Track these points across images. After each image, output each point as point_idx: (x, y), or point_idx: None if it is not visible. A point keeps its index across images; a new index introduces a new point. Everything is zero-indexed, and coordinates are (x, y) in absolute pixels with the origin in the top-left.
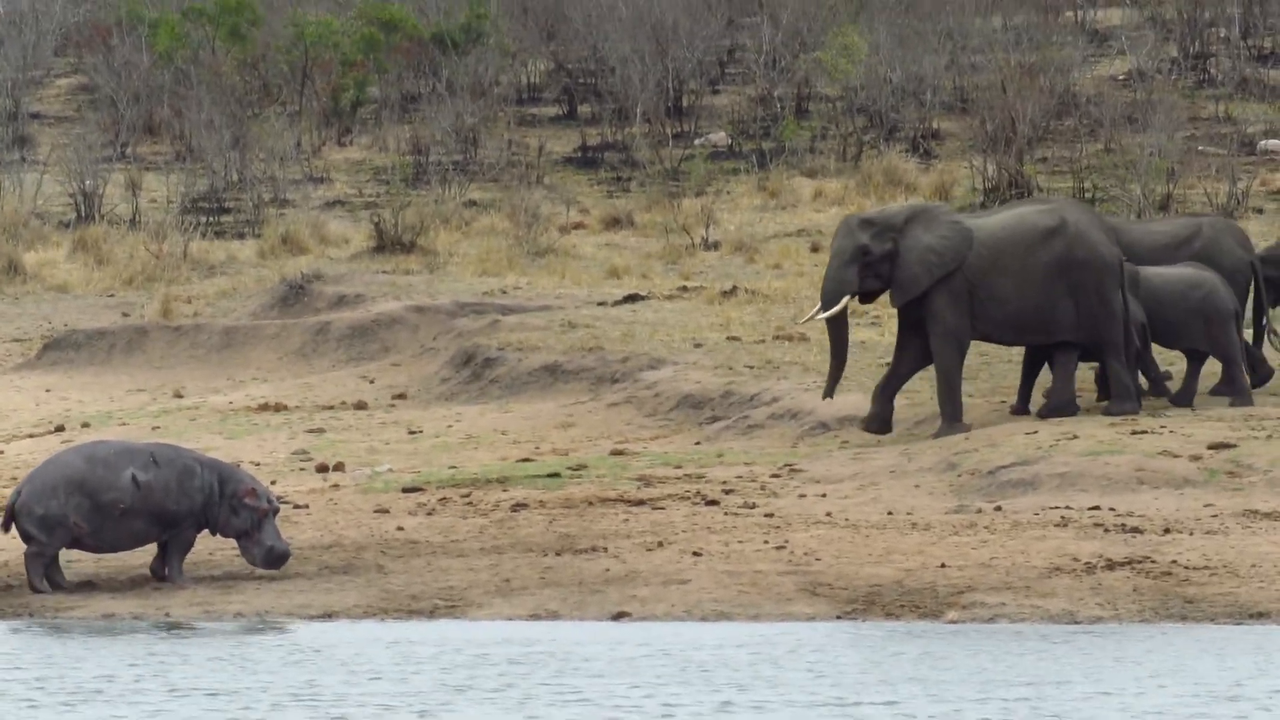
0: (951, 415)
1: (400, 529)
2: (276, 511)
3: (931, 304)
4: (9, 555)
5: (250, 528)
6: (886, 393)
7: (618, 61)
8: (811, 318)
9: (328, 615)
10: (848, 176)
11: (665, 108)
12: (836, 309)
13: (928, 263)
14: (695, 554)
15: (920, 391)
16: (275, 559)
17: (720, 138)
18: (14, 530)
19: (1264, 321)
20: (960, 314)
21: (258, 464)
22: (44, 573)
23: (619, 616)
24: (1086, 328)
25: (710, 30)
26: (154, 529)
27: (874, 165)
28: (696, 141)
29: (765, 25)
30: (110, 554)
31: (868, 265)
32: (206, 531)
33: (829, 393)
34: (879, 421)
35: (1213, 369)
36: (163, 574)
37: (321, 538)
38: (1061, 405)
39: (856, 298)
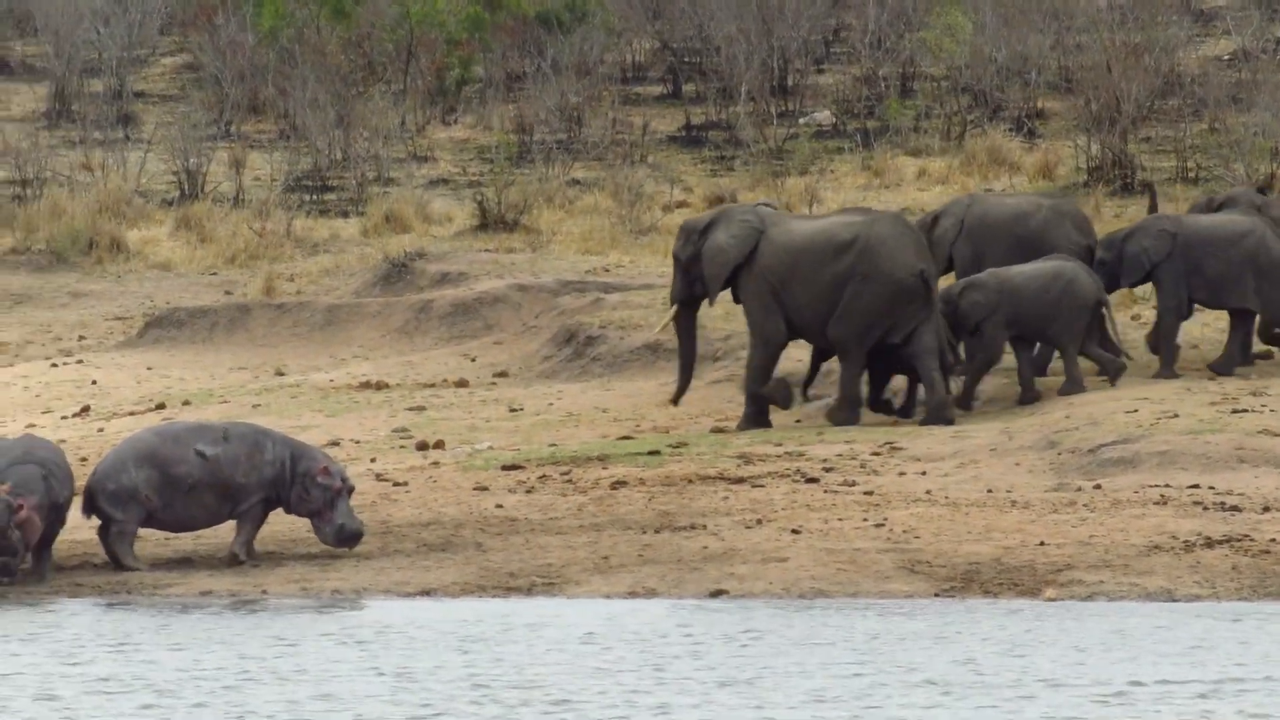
0: (753, 415)
1: (499, 506)
2: (351, 490)
3: (744, 304)
4: (90, 533)
5: (323, 506)
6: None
7: (723, 40)
8: (663, 325)
9: (425, 592)
10: (952, 156)
11: (770, 86)
12: (668, 317)
13: (716, 261)
14: (794, 531)
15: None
16: (347, 537)
17: (825, 117)
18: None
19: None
20: (771, 314)
21: (358, 441)
22: (131, 550)
23: (717, 594)
24: (843, 335)
25: (815, 9)
26: (224, 504)
27: (978, 145)
28: (801, 120)
29: (870, 4)
30: (190, 531)
31: (686, 271)
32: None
33: (676, 398)
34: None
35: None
36: (239, 551)
37: (420, 515)
38: (852, 406)
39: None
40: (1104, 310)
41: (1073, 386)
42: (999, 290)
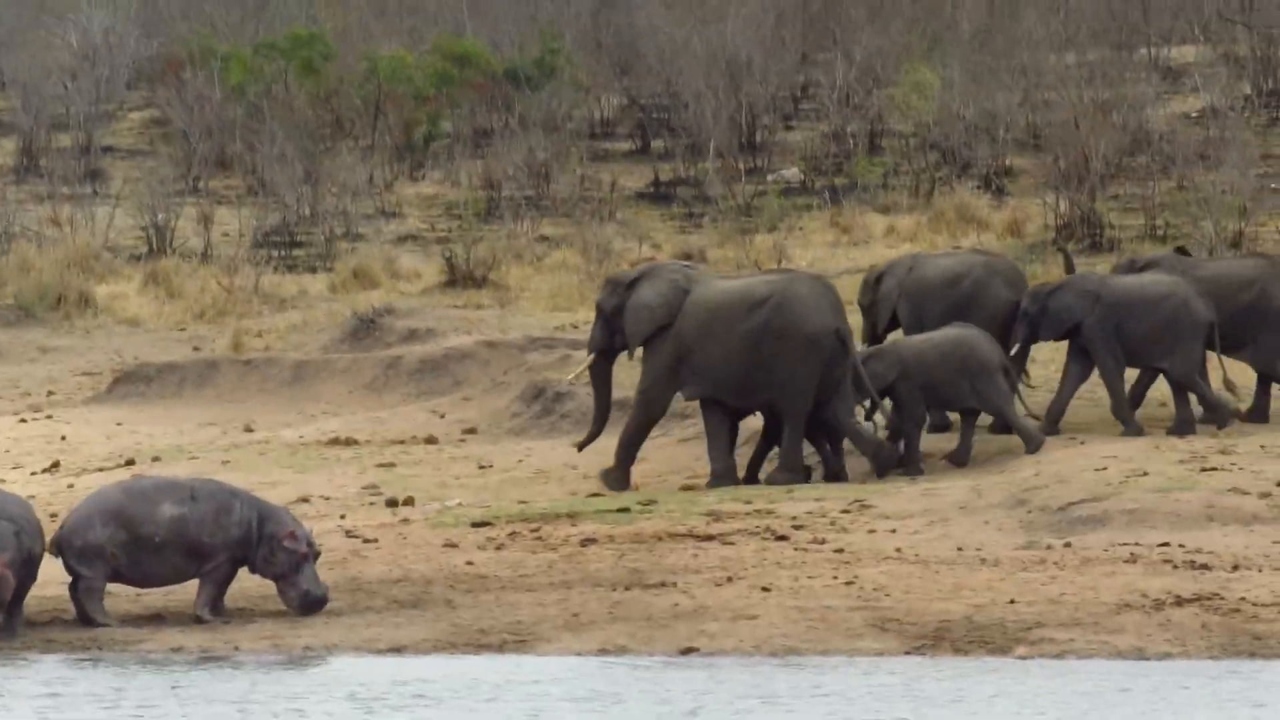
0: (618, 479)
1: (469, 563)
2: (317, 555)
3: (646, 363)
4: (62, 588)
5: (289, 570)
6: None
7: (691, 97)
8: (577, 374)
9: (396, 649)
10: (920, 213)
11: (738, 143)
12: (583, 365)
13: (641, 317)
14: (764, 589)
15: (989, 427)
16: (311, 604)
17: (793, 174)
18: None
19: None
20: (667, 381)
21: (328, 498)
22: (100, 605)
23: (687, 651)
24: (778, 398)
25: (784, 66)
26: (191, 563)
27: (946, 202)
28: (769, 177)
29: (839, 61)
30: (157, 588)
31: (608, 322)
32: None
33: (583, 445)
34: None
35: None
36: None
37: (390, 572)
38: (793, 469)
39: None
40: (1007, 375)
41: (963, 455)
42: (899, 360)
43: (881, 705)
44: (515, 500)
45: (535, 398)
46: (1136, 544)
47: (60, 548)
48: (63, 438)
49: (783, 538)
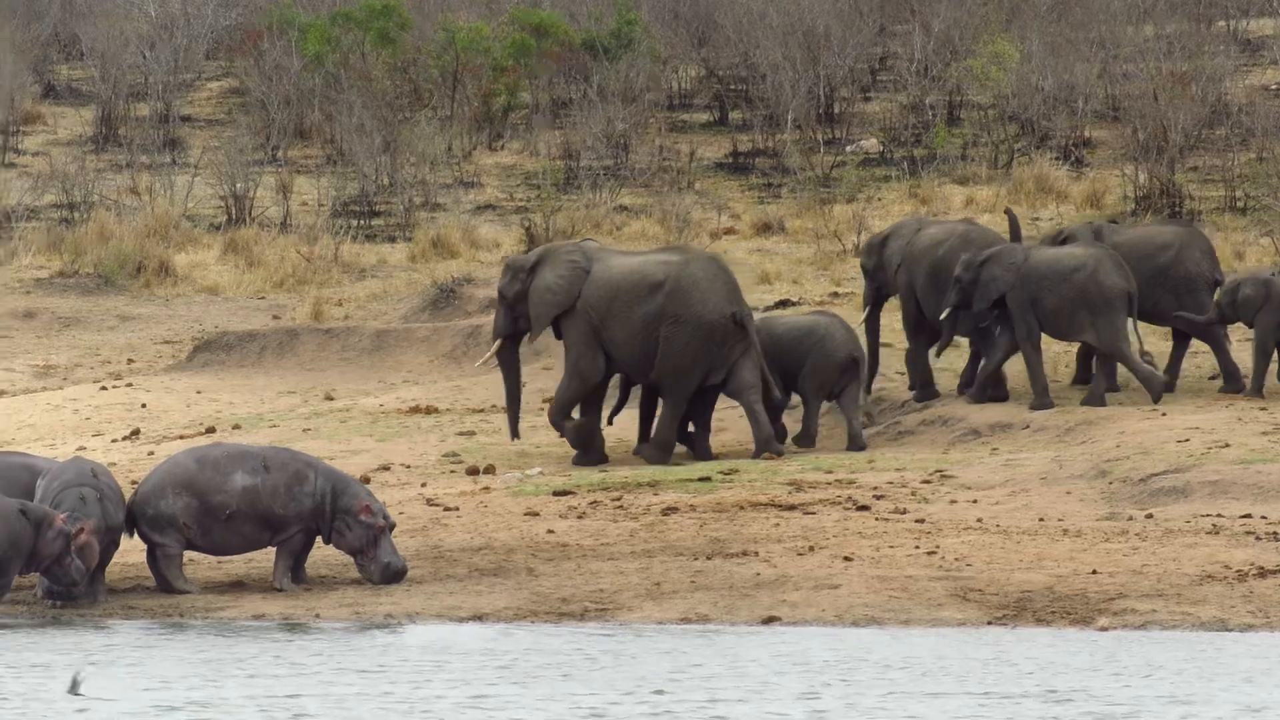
0: (581, 450)
1: (551, 532)
2: (393, 527)
3: (565, 339)
4: (139, 556)
5: (366, 544)
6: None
7: (769, 68)
8: (486, 359)
9: (477, 617)
10: (999, 184)
11: (816, 114)
12: (492, 351)
13: (544, 301)
14: (846, 559)
15: (1071, 399)
16: (392, 575)
17: (871, 144)
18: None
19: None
20: (591, 351)
21: (409, 466)
22: (179, 573)
23: (769, 620)
24: (663, 376)
25: (862, 37)
26: (263, 533)
27: (1025, 173)
28: (848, 148)
29: (917, 33)
30: (231, 556)
31: (511, 307)
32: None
33: (514, 433)
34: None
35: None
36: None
37: (471, 540)
38: (664, 448)
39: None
40: (857, 366)
41: (807, 440)
42: (767, 339)
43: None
44: (597, 469)
45: None
46: (1219, 515)
47: (133, 517)
48: (143, 405)
49: (864, 508)
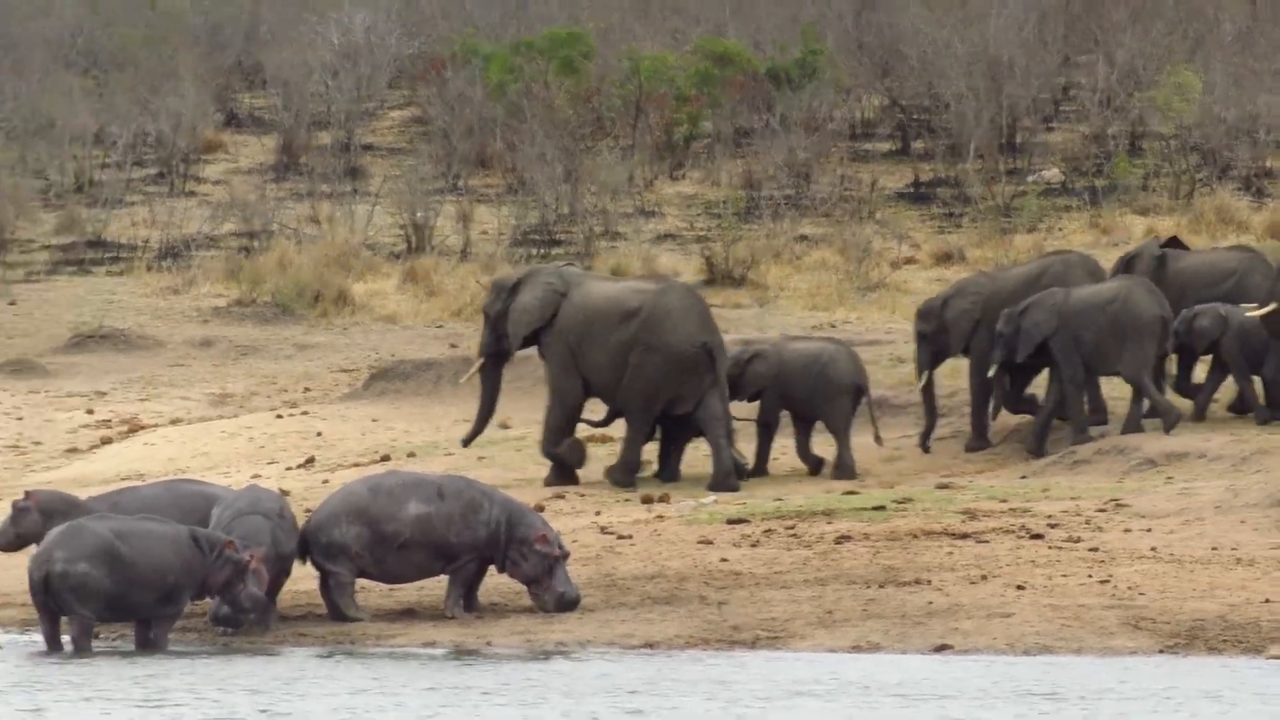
0: (557, 473)
1: (724, 560)
2: (567, 556)
3: (546, 364)
4: (311, 584)
5: (541, 573)
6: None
7: (952, 98)
8: (469, 376)
9: (649, 645)
10: (1180, 214)
11: (999, 144)
12: (474, 368)
13: (519, 321)
14: (1019, 587)
15: (1248, 426)
16: (567, 604)
17: (1053, 174)
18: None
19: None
20: (569, 375)
21: (583, 494)
22: (351, 600)
23: (941, 649)
24: (628, 401)
25: (1045, 67)
26: (437, 562)
27: (1206, 204)
28: (1029, 178)
29: (1100, 63)
30: (404, 584)
31: (494, 326)
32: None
33: (468, 440)
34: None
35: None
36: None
37: (645, 568)
38: (628, 470)
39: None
40: (864, 395)
41: (843, 471)
42: (778, 363)
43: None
44: (771, 497)
45: None
46: None
47: (306, 544)
48: (318, 434)
49: (1037, 536)
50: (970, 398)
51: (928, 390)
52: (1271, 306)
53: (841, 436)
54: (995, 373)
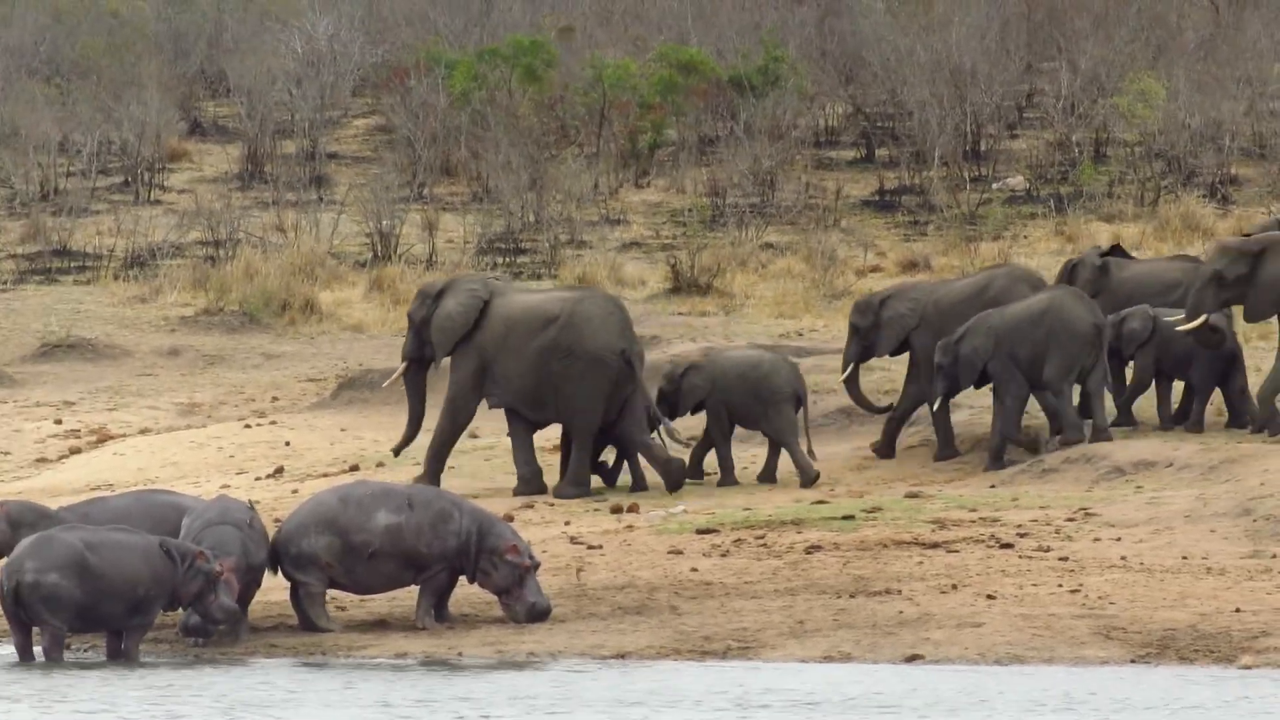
0: (432, 474)
1: (694, 570)
2: (538, 567)
3: (452, 371)
4: (283, 594)
5: (512, 584)
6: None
7: (916, 105)
8: (392, 381)
9: (621, 656)
10: (1145, 221)
11: (963, 151)
12: (398, 373)
13: (443, 328)
14: (989, 597)
15: (1216, 435)
16: (538, 614)
17: (1018, 182)
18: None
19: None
20: (471, 385)
21: (552, 504)
22: (322, 611)
23: (912, 659)
24: (565, 414)
25: (1008, 75)
26: (407, 572)
27: (1172, 211)
28: (994, 185)
29: (1064, 70)
30: (374, 594)
31: (418, 332)
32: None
33: (398, 450)
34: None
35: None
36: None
37: (615, 578)
38: (578, 484)
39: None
40: (801, 404)
41: (804, 476)
42: (713, 375)
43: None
44: (740, 507)
45: None
46: None
47: (276, 555)
48: (287, 443)
49: (1007, 545)
50: (930, 408)
51: (851, 383)
52: (1201, 320)
53: (789, 442)
54: (939, 408)
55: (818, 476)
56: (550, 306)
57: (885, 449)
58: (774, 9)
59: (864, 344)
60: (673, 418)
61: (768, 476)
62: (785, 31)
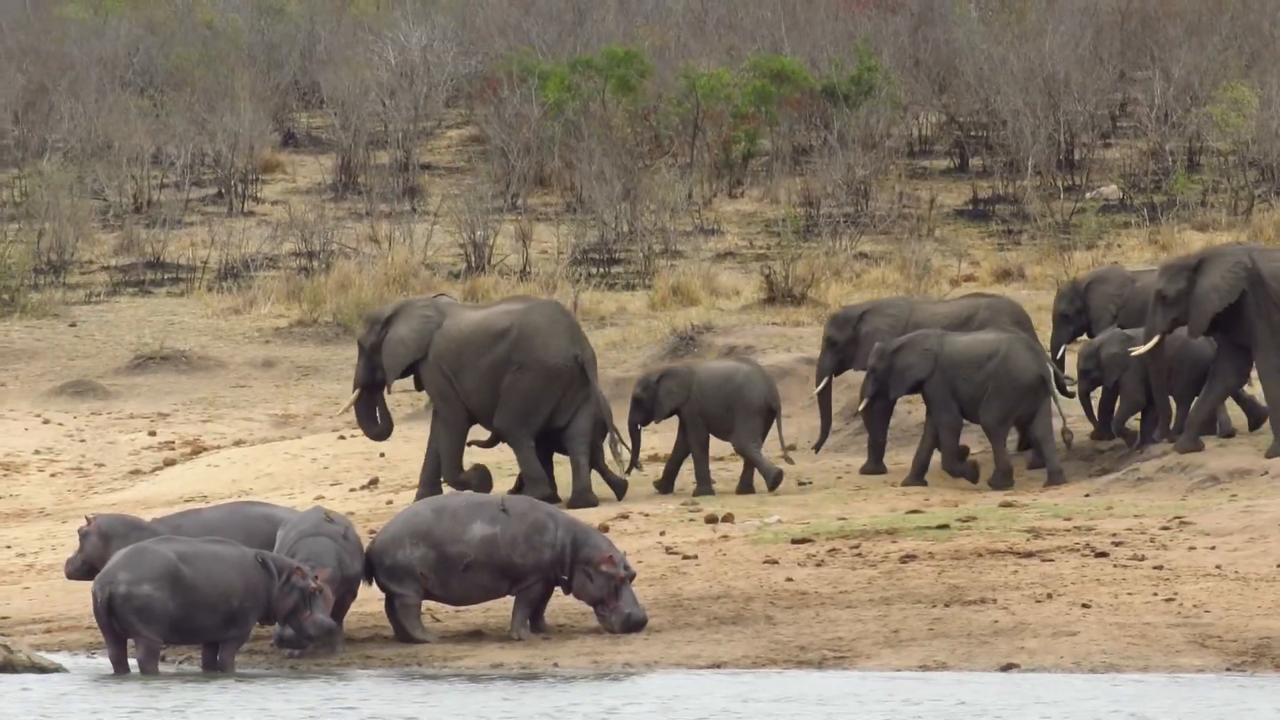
0: (428, 483)
1: (789, 580)
2: (633, 577)
3: (428, 393)
4: (379, 605)
5: (607, 594)
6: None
7: (1010, 114)
8: (345, 408)
9: (716, 666)
10: (1239, 230)
11: (1057, 160)
12: (350, 400)
13: (396, 353)
14: (1084, 606)
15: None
16: (634, 625)
17: (1111, 191)
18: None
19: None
20: (450, 402)
21: (647, 515)
22: (417, 622)
23: (1007, 668)
24: (503, 418)
25: (1102, 84)
26: (502, 583)
27: (1265, 219)
28: (1088, 194)
29: (1157, 79)
30: (469, 605)
31: (369, 358)
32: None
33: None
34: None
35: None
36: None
37: (710, 588)
38: (534, 479)
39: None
40: (775, 416)
41: (773, 481)
42: (688, 383)
43: None
44: (834, 517)
45: (854, 415)
46: None
47: (371, 566)
48: (381, 454)
49: (1102, 554)
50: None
51: (824, 395)
52: (1154, 341)
53: (751, 452)
54: (866, 406)
55: (781, 475)
56: (498, 321)
57: (914, 478)
58: (867, 18)
59: (839, 358)
60: (647, 424)
61: (745, 488)
62: (879, 41)
